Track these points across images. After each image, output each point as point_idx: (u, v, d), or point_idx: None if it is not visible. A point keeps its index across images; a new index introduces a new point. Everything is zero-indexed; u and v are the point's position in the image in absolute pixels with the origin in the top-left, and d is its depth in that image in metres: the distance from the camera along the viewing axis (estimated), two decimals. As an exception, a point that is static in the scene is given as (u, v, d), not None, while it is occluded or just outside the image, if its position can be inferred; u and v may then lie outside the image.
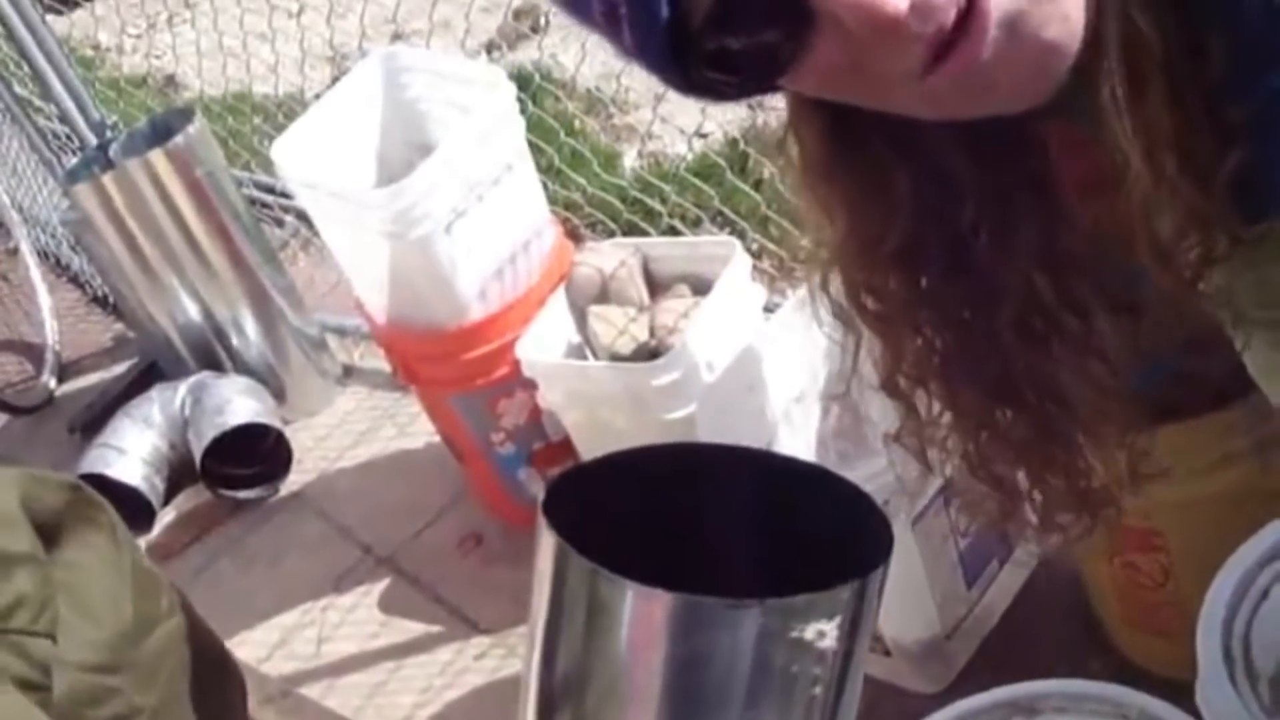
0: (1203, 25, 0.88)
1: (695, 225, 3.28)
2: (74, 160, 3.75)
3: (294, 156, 2.63)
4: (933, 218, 1.02)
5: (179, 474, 3.39)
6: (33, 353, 4.22)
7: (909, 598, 2.15)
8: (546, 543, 0.87)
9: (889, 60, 0.82)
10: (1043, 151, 0.93)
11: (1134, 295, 1.01)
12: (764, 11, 0.81)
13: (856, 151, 1.00)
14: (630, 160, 3.81)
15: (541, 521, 0.88)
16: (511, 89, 2.56)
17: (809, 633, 0.83)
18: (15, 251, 4.50)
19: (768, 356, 2.22)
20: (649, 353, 2.34)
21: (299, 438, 3.43)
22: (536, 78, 3.76)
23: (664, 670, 0.85)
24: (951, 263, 1.04)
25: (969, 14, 0.80)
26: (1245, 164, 0.91)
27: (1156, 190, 0.91)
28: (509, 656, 2.70)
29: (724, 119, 3.68)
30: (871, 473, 1.96)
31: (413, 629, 2.87)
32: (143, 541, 3.27)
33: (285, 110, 4.33)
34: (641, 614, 0.84)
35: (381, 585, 3.00)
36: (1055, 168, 0.93)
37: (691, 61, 0.83)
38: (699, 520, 0.98)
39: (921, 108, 0.88)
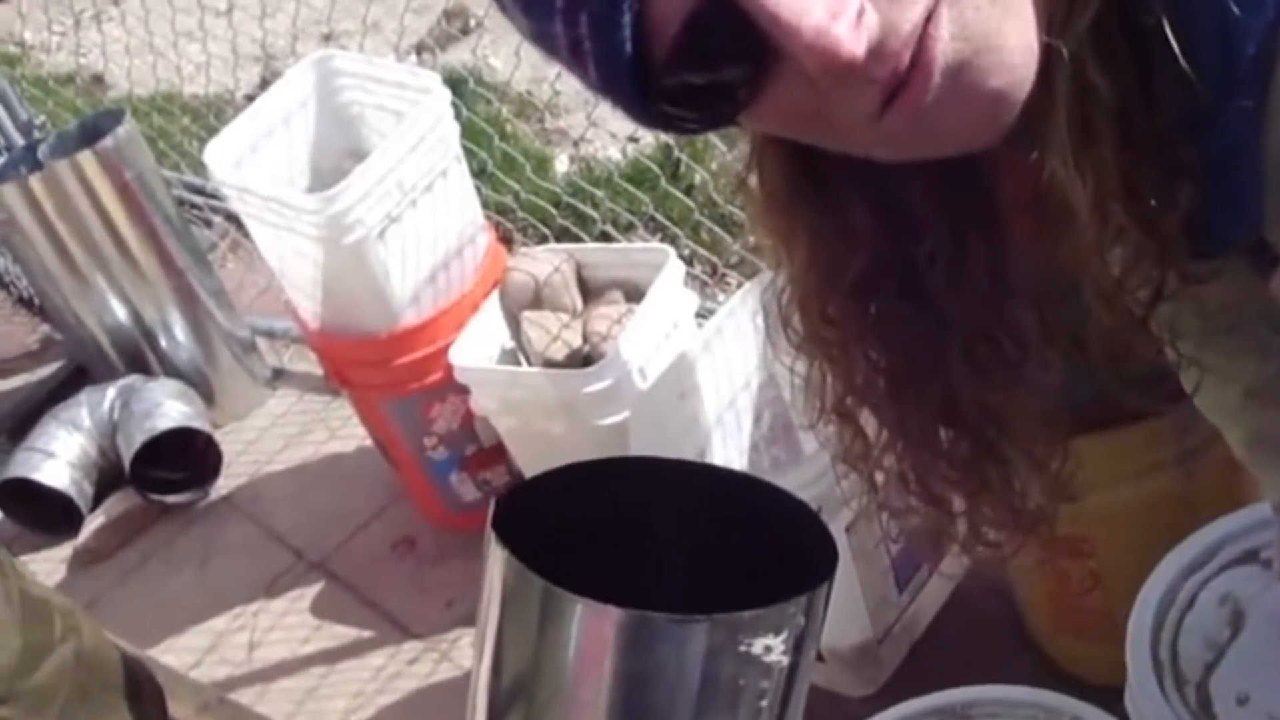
0: (1157, 74, 0.89)
1: (628, 230, 3.29)
2: (0, 160, 3.71)
3: (226, 160, 2.62)
4: (891, 248, 1.03)
5: (107, 478, 3.36)
6: (-44, 356, 4.17)
7: (842, 603, 2.16)
8: (496, 557, 0.88)
9: (846, 103, 0.83)
10: (994, 182, 0.93)
11: (1082, 329, 1.03)
12: (725, 50, 0.82)
13: (817, 185, 1.01)
14: (563, 165, 3.81)
15: (491, 536, 0.88)
16: (446, 94, 2.55)
17: (757, 647, 0.84)
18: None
19: (701, 363, 2.23)
20: (582, 359, 2.34)
21: (229, 441, 3.40)
22: (470, 81, 3.76)
23: (612, 684, 0.86)
24: (906, 291, 1.04)
25: (916, 60, 0.81)
26: (1193, 205, 0.92)
27: (1103, 234, 0.92)
28: (442, 661, 2.70)
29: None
30: (805, 480, 1.98)
31: (345, 634, 2.86)
32: (70, 546, 3.25)
33: (215, 111, 4.31)
34: (591, 629, 0.85)
35: (314, 590, 2.98)
36: (1006, 200, 0.94)
37: (654, 96, 0.84)
38: (643, 532, 0.99)
39: (879, 149, 0.89)
